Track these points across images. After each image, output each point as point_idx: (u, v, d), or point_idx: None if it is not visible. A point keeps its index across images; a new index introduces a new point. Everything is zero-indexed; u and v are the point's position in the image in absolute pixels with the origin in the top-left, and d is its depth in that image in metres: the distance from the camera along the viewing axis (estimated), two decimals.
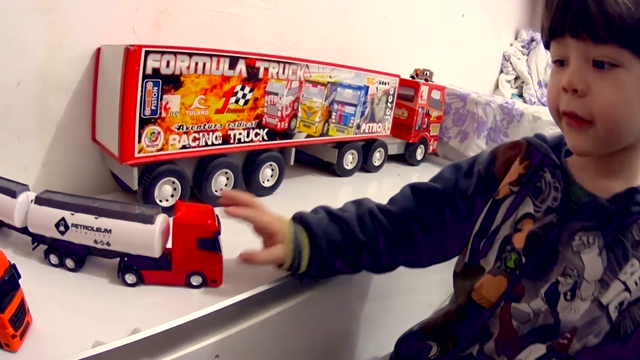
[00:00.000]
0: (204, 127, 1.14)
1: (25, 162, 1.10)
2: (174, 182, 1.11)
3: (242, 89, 1.18)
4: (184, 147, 1.11)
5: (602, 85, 0.64)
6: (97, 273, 0.87)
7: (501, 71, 3.11)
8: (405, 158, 1.92)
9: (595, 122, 0.66)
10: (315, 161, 1.61)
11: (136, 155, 1.04)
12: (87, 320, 0.76)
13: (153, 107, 1.03)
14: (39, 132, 1.10)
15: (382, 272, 0.95)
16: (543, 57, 3.08)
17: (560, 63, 0.70)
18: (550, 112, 0.73)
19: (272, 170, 1.32)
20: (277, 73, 1.25)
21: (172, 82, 1.05)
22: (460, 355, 0.82)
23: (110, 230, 0.83)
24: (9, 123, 1.05)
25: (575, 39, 0.65)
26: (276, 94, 1.26)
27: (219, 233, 0.85)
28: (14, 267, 0.68)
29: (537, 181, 0.78)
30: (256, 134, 1.25)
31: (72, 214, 0.83)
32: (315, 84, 1.37)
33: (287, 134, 1.33)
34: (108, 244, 0.83)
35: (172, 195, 1.12)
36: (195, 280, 0.86)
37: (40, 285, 0.82)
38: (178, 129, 1.09)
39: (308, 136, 1.39)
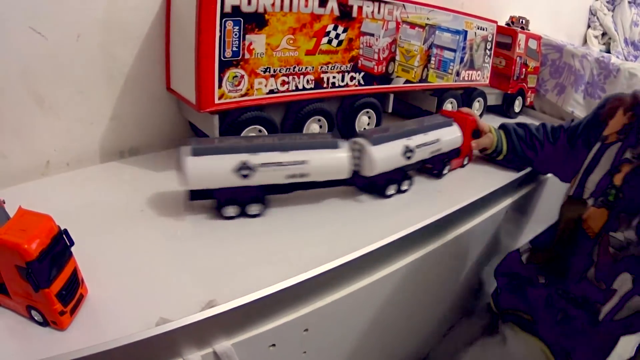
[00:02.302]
0: (293, 70, 0.92)
1: (91, 117, 0.93)
2: (260, 131, 0.91)
3: (335, 28, 0.96)
4: (271, 91, 0.91)
5: None
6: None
7: (588, 26, 2.74)
8: (502, 110, 1.63)
9: None
10: (411, 111, 1.35)
11: (217, 101, 0.85)
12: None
13: (234, 49, 0.84)
14: (104, 85, 0.93)
15: (537, 166, 1.12)
16: (628, 14, 2.72)
17: None
18: None
19: (369, 117, 1.09)
20: (372, 12, 1.01)
21: (256, 21, 0.85)
22: (567, 282, 0.88)
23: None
24: (69, 78, 0.88)
25: None
26: (372, 35, 1.03)
27: None
28: (65, 232, 0.52)
29: (638, 131, 0.83)
30: (352, 78, 1.02)
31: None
32: (413, 25, 1.12)
33: (385, 78, 1.09)
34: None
35: None
36: (466, 160, 1.11)
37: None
38: (264, 71, 0.89)
39: (407, 82, 1.15)
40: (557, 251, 0.90)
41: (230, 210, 0.76)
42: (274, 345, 0.64)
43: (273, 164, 0.75)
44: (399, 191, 0.91)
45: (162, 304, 0.57)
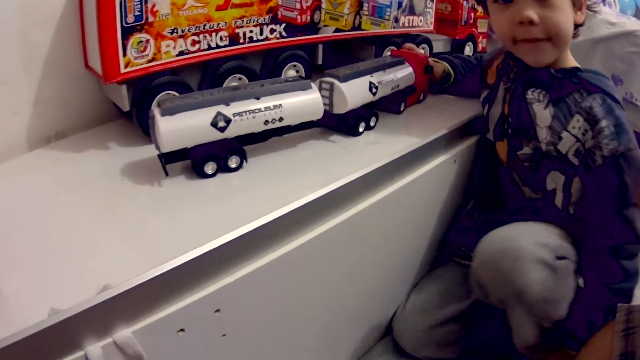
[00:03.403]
0: (204, 28, 0.82)
1: (14, 106, 0.86)
2: (175, 96, 0.81)
3: None
4: (181, 53, 0.82)
5: (549, 12, 0.76)
6: None
7: None
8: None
9: (552, 38, 0.78)
10: (346, 61, 1.23)
11: (123, 70, 0.77)
12: None
13: (137, 13, 0.76)
14: (24, 73, 0.86)
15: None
16: None
17: (503, 1, 0.79)
18: (505, 42, 0.83)
19: (297, 71, 0.99)
20: None
21: None
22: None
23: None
24: None
25: None
26: None
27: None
28: None
29: (506, 66, 0.92)
30: (272, 31, 0.92)
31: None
32: None
33: (311, 28, 0.99)
34: None
35: None
36: (422, 96, 1.08)
37: None
38: (171, 33, 0.80)
39: (337, 30, 1.04)
40: (493, 191, 0.98)
41: (210, 168, 0.72)
42: (182, 330, 0.56)
43: (249, 112, 0.72)
44: (367, 128, 0.91)
45: (76, 292, 0.49)
